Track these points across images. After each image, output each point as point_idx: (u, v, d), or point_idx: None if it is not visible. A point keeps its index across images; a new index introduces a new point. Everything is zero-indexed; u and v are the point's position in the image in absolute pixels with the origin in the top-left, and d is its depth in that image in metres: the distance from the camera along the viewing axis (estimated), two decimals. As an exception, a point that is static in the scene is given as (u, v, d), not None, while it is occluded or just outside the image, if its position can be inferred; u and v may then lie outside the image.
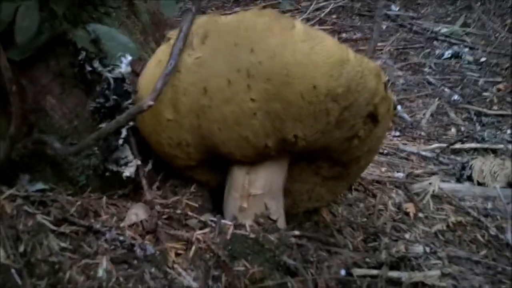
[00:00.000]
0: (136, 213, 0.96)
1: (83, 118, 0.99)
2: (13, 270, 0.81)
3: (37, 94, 0.98)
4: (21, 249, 0.84)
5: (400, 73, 2.94)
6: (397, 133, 2.18)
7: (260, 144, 0.84)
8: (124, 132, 0.93)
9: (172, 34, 0.90)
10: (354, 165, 1.01)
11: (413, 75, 2.94)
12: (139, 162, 0.96)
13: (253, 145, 0.84)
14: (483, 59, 3.02)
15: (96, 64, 0.93)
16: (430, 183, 1.39)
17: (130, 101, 0.90)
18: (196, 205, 1.03)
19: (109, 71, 0.88)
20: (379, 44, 3.26)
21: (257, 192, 0.90)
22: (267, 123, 0.81)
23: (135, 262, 0.84)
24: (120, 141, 0.94)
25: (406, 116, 2.35)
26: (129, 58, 0.83)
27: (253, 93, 0.80)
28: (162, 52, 0.89)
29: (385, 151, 1.87)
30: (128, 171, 0.95)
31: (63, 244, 0.87)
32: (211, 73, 0.81)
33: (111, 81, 0.88)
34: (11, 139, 0.90)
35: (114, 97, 0.93)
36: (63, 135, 0.99)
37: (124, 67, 0.84)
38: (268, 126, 0.82)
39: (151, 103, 0.79)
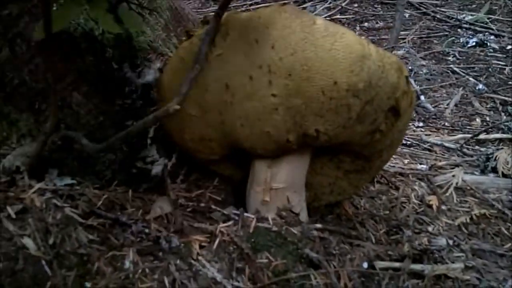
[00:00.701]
0: (161, 206, 0.98)
1: (109, 114, 1.01)
2: (43, 262, 0.83)
3: (64, 91, 1.00)
4: (51, 241, 0.86)
5: (423, 62, 2.91)
6: (420, 124, 2.16)
7: (282, 139, 0.85)
8: (152, 132, 0.95)
9: (194, 31, 0.91)
10: (376, 159, 1.02)
11: (436, 64, 2.91)
12: (166, 161, 0.97)
13: (275, 140, 0.85)
14: (509, 47, 2.98)
15: (126, 68, 0.94)
16: (453, 175, 1.38)
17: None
18: (219, 199, 1.05)
19: (138, 76, 0.89)
20: (401, 33, 3.24)
21: (279, 186, 0.91)
22: (288, 118, 0.82)
23: (161, 254, 0.86)
24: (148, 141, 0.96)
25: (429, 106, 2.33)
26: (158, 64, 0.84)
27: (275, 89, 0.81)
28: (184, 50, 0.90)
29: (408, 142, 1.86)
30: (155, 170, 0.97)
31: (91, 236, 0.89)
32: (233, 70, 0.82)
33: (139, 85, 0.89)
34: (46, 136, 0.92)
35: (141, 102, 0.94)
36: (90, 131, 1.01)
37: (152, 75, 0.84)
38: (290, 121, 0.83)
39: (177, 107, 0.80)
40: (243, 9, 3.39)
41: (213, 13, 0.82)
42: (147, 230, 0.92)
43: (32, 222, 0.88)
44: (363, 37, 0.82)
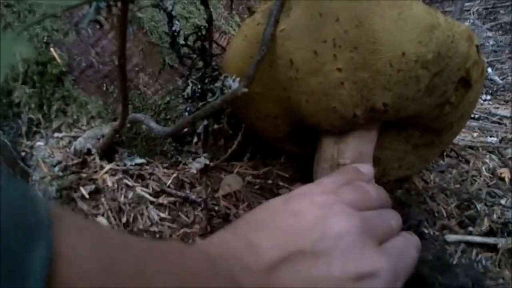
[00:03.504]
0: (229, 183, 0.99)
1: (174, 94, 1.03)
2: (117, 240, 0.85)
3: (130, 72, 1.01)
4: (124, 219, 0.89)
5: (489, 33, 2.84)
6: (488, 97, 2.11)
7: (349, 114, 0.84)
8: (201, 128, 0.96)
9: (256, 7, 0.91)
10: (446, 132, 1.00)
11: (503, 35, 2.82)
12: (207, 162, 0.98)
13: (341, 115, 0.84)
14: None
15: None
16: (525, 147, 1.35)
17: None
18: (287, 176, 1.05)
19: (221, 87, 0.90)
20: (466, 4, 3.16)
21: (346, 161, 0.90)
22: (355, 93, 0.81)
23: (231, 230, 0.87)
24: (195, 138, 0.96)
25: (497, 78, 2.27)
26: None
27: (340, 63, 0.79)
28: (248, 27, 0.90)
29: (476, 116, 1.82)
30: (194, 168, 0.98)
31: (162, 215, 0.91)
32: (297, 45, 0.81)
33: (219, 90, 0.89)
34: (115, 132, 0.94)
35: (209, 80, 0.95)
36: (157, 111, 1.02)
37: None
38: (356, 95, 0.81)
39: (245, 90, 0.80)
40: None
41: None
42: (216, 208, 0.93)
43: (105, 202, 0.91)
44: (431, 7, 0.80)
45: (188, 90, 0.94)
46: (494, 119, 1.80)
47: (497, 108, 1.95)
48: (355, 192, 0.73)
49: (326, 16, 0.79)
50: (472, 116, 1.81)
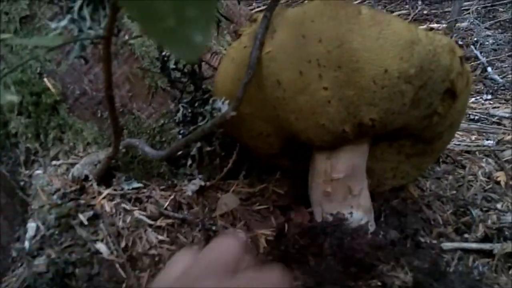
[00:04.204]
0: (226, 203, 1.00)
1: (168, 117, 1.04)
2: (117, 265, 0.87)
3: (124, 98, 1.03)
4: (123, 244, 0.90)
5: (489, 32, 2.83)
6: (489, 96, 2.10)
7: (337, 130, 0.85)
8: (194, 150, 0.97)
9: (243, 30, 0.92)
10: (437, 141, 1.01)
11: (503, 33, 2.82)
12: (202, 183, 0.99)
13: (331, 132, 0.85)
14: None
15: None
16: (521, 149, 1.35)
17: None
18: (282, 192, 1.06)
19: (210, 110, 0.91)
20: (465, 3, 3.16)
21: (339, 176, 0.91)
22: (342, 110, 0.83)
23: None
24: (189, 160, 0.98)
25: (497, 77, 2.26)
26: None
27: (325, 82, 0.81)
28: (235, 50, 0.91)
29: (476, 117, 1.82)
30: (190, 190, 0.99)
31: (160, 237, 0.93)
32: (283, 66, 0.83)
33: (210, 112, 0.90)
34: (109, 159, 0.96)
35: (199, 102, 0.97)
36: (152, 134, 1.04)
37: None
38: (343, 112, 0.83)
39: (233, 113, 0.82)
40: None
41: (259, 8, 0.83)
42: (214, 227, 0.94)
43: (103, 227, 0.92)
44: (410, 23, 0.81)
45: (179, 114, 0.96)
46: (494, 120, 1.80)
47: (498, 107, 1.95)
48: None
49: (309, 37, 0.80)
50: (472, 117, 1.81)
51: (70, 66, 1.03)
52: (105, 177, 1.01)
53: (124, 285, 0.85)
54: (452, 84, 0.87)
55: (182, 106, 0.96)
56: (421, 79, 0.81)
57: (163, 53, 0.94)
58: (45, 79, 1.04)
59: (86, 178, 1.00)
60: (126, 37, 1.02)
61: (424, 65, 0.80)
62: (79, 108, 1.04)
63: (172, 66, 0.96)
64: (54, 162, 1.05)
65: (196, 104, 0.96)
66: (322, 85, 0.81)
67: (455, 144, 1.43)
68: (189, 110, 0.95)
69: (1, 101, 0.40)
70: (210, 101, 0.89)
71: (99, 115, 1.04)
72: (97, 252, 0.89)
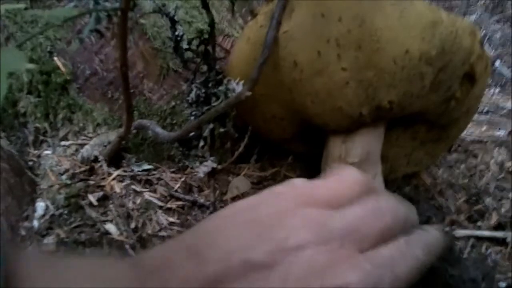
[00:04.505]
0: (238, 186, 0.99)
1: (179, 99, 1.03)
2: (127, 246, 0.86)
3: (135, 79, 1.02)
4: (133, 225, 0.89)
5: (497, 26, 2.81)
6: (497, 90, 2.08)
7: (355, 113, 0.83)
8: (206, 131, 0.96)
9: (258, 9, 0.91)
10: (453, 127, 0.99)
11: (511, 27, 2.80)
12: (214, 165, 0.98)
13: (347, 115, 0.84)
14: None
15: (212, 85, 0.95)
16: (533, 140, 1.34)
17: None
18: (294, 176, 1.05)
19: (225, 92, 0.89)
20: (472, -3, 3.14)
21: (354, 160, 0.89)
22: (360, 92, 0.81)
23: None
24: (201, 142, 0.96)
25: (505, 71, 2.24)
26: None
27: (344, 63, 0.79)
28: (250, 29, 0.90)
29: (485, 110, 1.80)
30: (201, 171, 0.98)
31: (171, 219, 0.92)
32: (300, 46, 0.81)
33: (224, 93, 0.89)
34: (120, 139, 0.94)
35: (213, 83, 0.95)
36: (163, 116, 1.03)
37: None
38: (362, 94, 0.81)
39: (248, 93, 0.80)
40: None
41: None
42: (225, 211, 0.93)
43: (113, 208, 0.91)
44: (433, 4, 0.79)
45: (192, 94, 0.94)
46: (503, 112, 1.78)
47: (507, 100, 1.94)
48: (331, 186, 0.61)
49: (329, 16, 0.79)
50: (480, 110, 1.79)
51: (81, 45, 1.02)
52: (115, 159, 1.00)
53: (134, 266, 0.84)
54: (472, 67, 0.85)
55: (196, 87, 0.94)
56: (442, 61, 0.80)
57: (176, 33, 0.93)
58: (55, 58, 1.02)
59: (96, 159, 0.99)
60: (138, 16, 1.01)
61: (446, 46, 0.78)
62: (90, 88, 1.03)
63: (185, 46, 0.94)
64: (63, 143, 1.03)
65: (210, 85, 0.94)
66: (341, 66, 0.80)
67: (466, 134, 1.41)
68: (203, 91, 0.94)
69: (22, 68, 0.39)
70: (225, 82, 0.87)
71: (109, 95, 1.02)
72: (107, 232, 0.88)
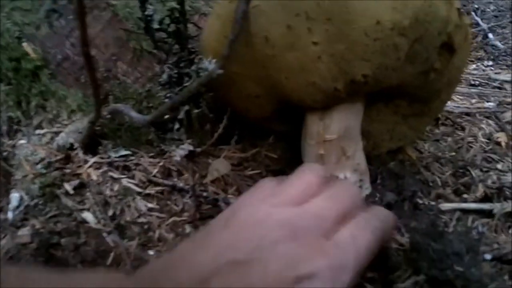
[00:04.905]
0: (217, 168, 0.97)
1: (155, 81, 1.01)
2: (104, 234, 0.84)
3: (108, 62, 0.99)
4: (110, 213, 0.87)
5: (490, -1, 2.79)
6: (490, 63, 2.06)
7: (329, 88, 0.81)
8: (182, 114, 0.94)
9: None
10: (434, 100, 0.97)
11: (504, -1, 2.78)
12: (191, 148, 0.96)
13: (322, 90, 0.82)
14: None
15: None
16: (522, 109, 1.32)
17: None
18: (275, 156, 1.03)
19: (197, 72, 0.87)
20: (464, -30, 3.11)
21: (332, 137, 0.88)
22: (333, 66, 0.79)
23: (221, 215, 0.86)
24: (177, 124, 0.95)
25: (498, 43, 2.22)
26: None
27: (315, 36, 0.77)
28: (220, 6, 0.88)
29: (476, 82, 1.78)
30: (178, 155, 0.96)
31: (150, 205, 0.90)
32: (271, 21, 0.79)
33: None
34: (91, 124, 0.92)
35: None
36: (139, 100, 1.01)
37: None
38: (335, 68, 0.79)
39: (220, 71, 0.79)
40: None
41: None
42: (205, 194, 0.92)
43: (90, 196, 0.90)
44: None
45: (165, 75, 0.92)
46: (495, 84, 1.76)
47: (499, 73, 1.91)
48: (293, 184, 0.70)
49: (298, -12, 0.76)
50: (472, 83, 1.77)
51: (50, 30, 1.00)
52: (92, 145, 0.98)
53: (112, 254, 0.82)
54: (450, 37, 0.83)
55: (168, 67, 0.92)
56: (417, 32, 0.77)
57: (146, 13, 0.90)
58: (24, 44, 1.00)
59: (72, 146, 0.97)
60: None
61: (420, 16, 0.76)
62: (62, 73, 1.01)
63: (156, 26, 0.92)
64: (37, 131, 1.01)
65: (182, 65, 0.92)
66: (312, 39, 0.77)
67: (455, 107, 1.39)
68: (175, 71, 0.92)
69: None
70: (196, 61, 0.85)
71: (83, 80, 1.00)
72: (84, 221, 0.86)
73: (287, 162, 1.02)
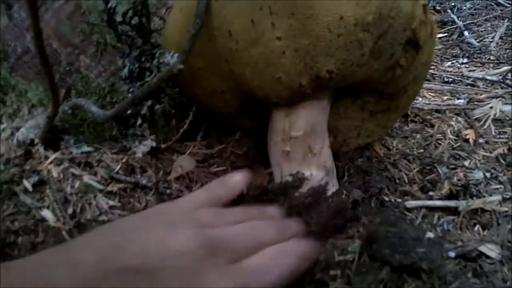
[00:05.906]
0: (181, 165, 0.96)
1: (118, 76, 0.99)
2: (63, 232, 0.82)
3: (70, 56, 0.97)
4: (70, 211, 0.86)
5: (466, -4, 2.81)
6: (465, 60, 2.07)
7: (294, 83, 0.80)
8: (145, 109, 0.92)
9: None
10: (401, 96, 0.96)
11: (480, -2, 2.80)
12: (154, 144, 0.95)
13: (287, 86, 0.80)
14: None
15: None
16: (491, 107, 1.31)
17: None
18: (241, 153, 1.01)
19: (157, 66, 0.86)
20: (441, -33, 3.12)
21: (298, 133, 0.86)
22: (297, 61, 0.77)
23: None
24: (139, 120, 0.93)
25: (473, 41, 2.23)
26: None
27: (278, 31, 0.75)
28: (182, -1, 0.86)
29: (450, 79, 1.79)
30: (140, 151, 0.94)
31: (111, 203, 0.88)
32: (234, 15, 0.77)
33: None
34: (49, 119, 0.90)
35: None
36: (102, 94, 0.98)
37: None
38: (299, 64, 0.78)
39: (180, 66, 0.77)
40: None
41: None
42: (168, 191, 0.90)
43: (50, 193, 0.88)
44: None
45: (125, 70, 0.90)
46: (468, 81, 1.77)
47: (473, 70, 1.92)
48: (210, 212, 0.70)
49: (260, -18, 0.75)
50: (446, 80, 1.78)
51: (10, 22, 0.97)
52: (53, 141, 0.96)
53: (71, 252, 0.80)
54: (415, 33, 0.82)
55: (129, 61, 0.90)
56: (381, 27, 0.76)
57: (109, 6, 0.88)
58: (-18, 36, 0.98)
59: (32, 142, 0.94)
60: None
61: (383, 11, 0.75)
62: (22, 67, 0.98)
63: (119, 19, 0.90)
64: (-3, 126, 0.99)
65: (144, 59, 0.90)
66: (276, 34, 0.76)
67: (425, 103, 1.39)
68: (136, 66, 0.90)
69: None
70: (157, 55, 0.83)
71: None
72: (43, 219, 0.84)
73: (254, 159, 1.00)
